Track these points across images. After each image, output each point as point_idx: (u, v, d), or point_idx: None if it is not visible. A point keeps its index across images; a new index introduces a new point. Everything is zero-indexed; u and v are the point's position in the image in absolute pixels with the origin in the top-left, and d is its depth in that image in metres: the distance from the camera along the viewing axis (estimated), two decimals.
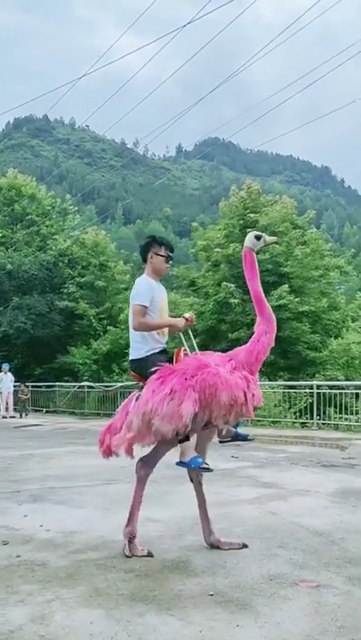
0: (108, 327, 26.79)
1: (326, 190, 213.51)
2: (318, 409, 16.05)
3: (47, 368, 29.80)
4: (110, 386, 22.59)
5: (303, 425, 16.61)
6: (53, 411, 24.63)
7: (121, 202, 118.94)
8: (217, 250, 22.55)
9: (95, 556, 4.26)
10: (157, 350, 4.44)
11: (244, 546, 4.42)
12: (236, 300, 20.64)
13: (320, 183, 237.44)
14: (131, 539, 4.23)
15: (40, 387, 26.14)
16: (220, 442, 4.63)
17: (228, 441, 4.62)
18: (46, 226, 33.23)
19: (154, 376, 4.18)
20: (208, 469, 4.13)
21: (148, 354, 4.39)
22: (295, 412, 17.04)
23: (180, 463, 4.13)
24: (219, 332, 21.32)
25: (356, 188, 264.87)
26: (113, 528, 4.80)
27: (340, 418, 15.96)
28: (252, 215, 22.79)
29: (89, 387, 23.67)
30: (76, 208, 38.52)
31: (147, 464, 4.33)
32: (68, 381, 26.22)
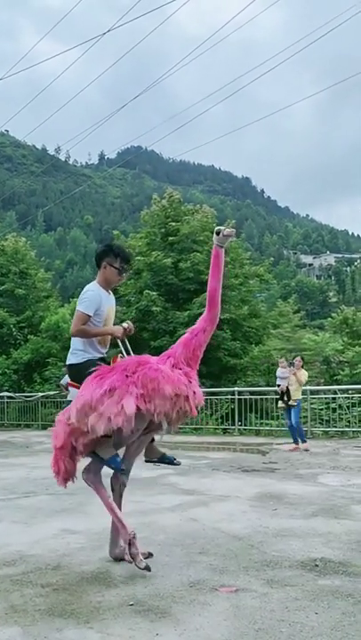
0: (29, 336, 26.28)
1: (247, 200, 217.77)
2: (240, 415, 16.28)
3: None
4: (31, 396, 22.14)
5: (225, 431, 16.79)
6: None
7: (41, 208, 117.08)
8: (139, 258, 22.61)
9: (11, 571, 4.13)
10: (96, 358, 4.37)
11: (150, 555, 4.37)
12: (158, 308, 20.72)
13: (241, 193, 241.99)
14: (131, 541, 4.02)
15: None
16: (146, 460, 4.54)
17: (154, 461, 4.54)
18: None
19: (92, 375, 4.08)
20: (122, 470, 4.16)
21: (86, 359, 4.31)
22: (217, 419, 17.22)
23: (100, 461, 4.09)
24: (141, 341, 21.32)
25: (275, 199, 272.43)
26: (31, 542, 4.69)
27: (262, 423, 16.25)
28: (173, 224, 22.99)
29: (9, 397, 23.11)
30: None
31: (90, 470, 4.24)
32: None
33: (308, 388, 16.19)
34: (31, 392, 23.02)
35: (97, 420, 3.85)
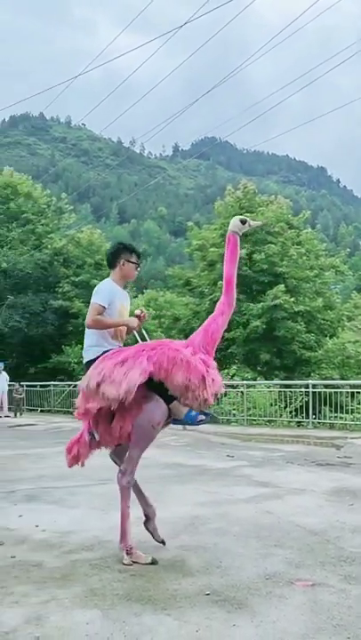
0: None
1: (322, 190, 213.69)
2: (314, 408, 16.04)
3: (41, 367, 29.71)
4: None
5: (299, 424, 16.62)
6: (48, 410, 24.55)
7: (116, 201, 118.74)
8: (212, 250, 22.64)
9: (90, 556, 4.24)
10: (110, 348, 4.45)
11: (162, 542, 4.45)
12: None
13: (316, 183, 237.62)
14: (128, 551, 4.09)
15: (35, 386, 26.04)
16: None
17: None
18: (42, 224, 33.05)
19: (109, 352, 4.21)
20: (204, 421, 4.22)
21: (100, 353, 4.35)
22: (291, 411, 17.05)
23: (176, 421, 4.23)
24: None
25: (351, 188, 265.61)
26: (107, 528, 4.79)
27: (336, 417, 15.97)
28: (247, 215, 22.76)
29: None
30: (72, 207, 38.36)
31: (126, 472, 4.22)
32: (62, 380, 26.14)
33: None
34: None
35: (105, 385, 3.92)
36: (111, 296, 4.48)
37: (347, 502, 6.10)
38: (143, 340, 4.54)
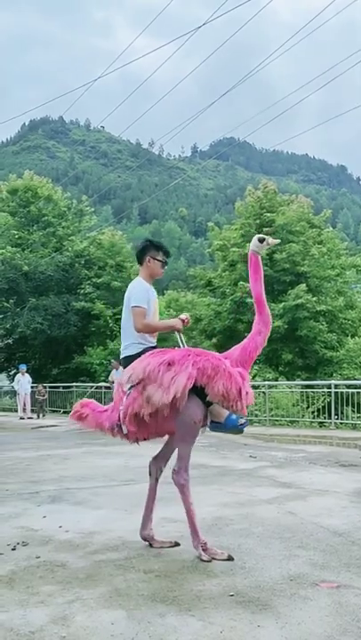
0: None
1: (342, 189, 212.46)
2: (336, 408, 15.95)
3: (64, 368, 29.90)
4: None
5: (321, 424, 16.52)
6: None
7: (137, 202, 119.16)
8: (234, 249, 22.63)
9: (114, 556, 4.26)
10: (151, 346, 4.54)
11: (176, 544, 4.44)
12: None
13: (336, 182, 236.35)
14: (204, 547, 4.14)
15: (57, 387, 26.24)
16: None
17: None
18: (62, 227, 33.26)
19: (151, 351, 4.27)
20: (245, 425, 4.28)
21: (142, 349, 4.44)
22: (313, 412, 16.96)
23: (216, 426, 4.25)
24: (236, 332, 21.31)
25: None
26: (131, 529, 4.81)
27: (359, 417, 15.85)
28: (268, 215, 22.80)
29: (106, 387, 23.72)
30: (93, 209, 38.53)
31: (180, 470, 4.24)
32: (84, 382, 26.28)
33: None
34: None
35: (153, 390, 3.97)
36: (147, 296, 4.54)
37: None
38: (181, 341, 4.61)
